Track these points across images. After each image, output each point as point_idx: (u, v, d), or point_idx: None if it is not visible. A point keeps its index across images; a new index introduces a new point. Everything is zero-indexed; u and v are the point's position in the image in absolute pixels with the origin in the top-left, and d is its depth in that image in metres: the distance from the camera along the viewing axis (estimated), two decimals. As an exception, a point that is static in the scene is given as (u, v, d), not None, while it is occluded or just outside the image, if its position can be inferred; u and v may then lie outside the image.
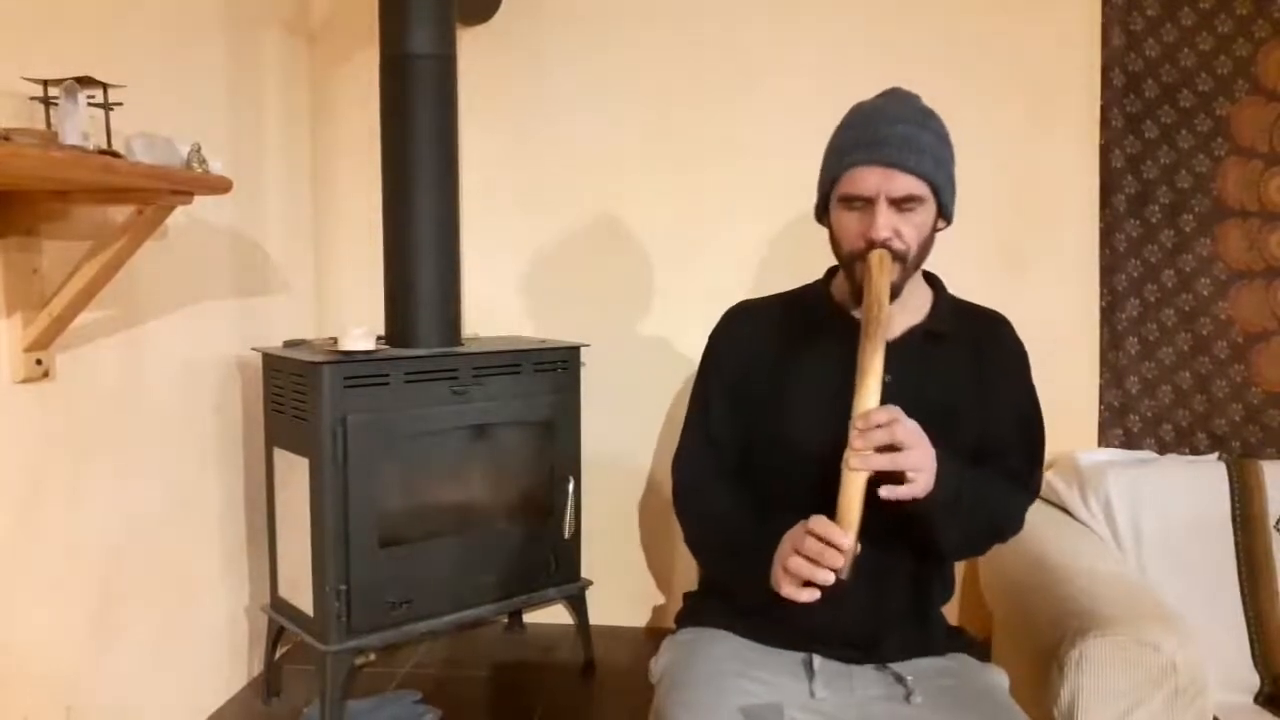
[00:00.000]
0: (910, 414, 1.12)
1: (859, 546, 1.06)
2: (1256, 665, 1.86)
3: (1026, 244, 2.38)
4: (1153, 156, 2.29)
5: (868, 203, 1.20)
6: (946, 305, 1.36)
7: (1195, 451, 2.31)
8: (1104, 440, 2.35)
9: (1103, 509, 2.03)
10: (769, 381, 1.33)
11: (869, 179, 1.19)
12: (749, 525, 1.26)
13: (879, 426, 1.07)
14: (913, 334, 1.31)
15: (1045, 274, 2.37)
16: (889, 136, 1.19)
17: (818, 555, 1.06)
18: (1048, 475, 2.22)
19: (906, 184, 1.19)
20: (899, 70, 2.34)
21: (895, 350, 1.23)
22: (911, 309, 1.31)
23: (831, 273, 1.40)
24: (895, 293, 1.21)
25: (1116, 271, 2.32)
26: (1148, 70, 2.28)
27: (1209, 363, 2.30)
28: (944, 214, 1.26)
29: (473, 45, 2.43)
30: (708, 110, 2.45)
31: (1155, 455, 2.26)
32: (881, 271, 1.17)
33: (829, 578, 1.05)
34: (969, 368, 1.31)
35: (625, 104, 2.47)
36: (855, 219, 1.22)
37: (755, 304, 1.45)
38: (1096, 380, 2.36)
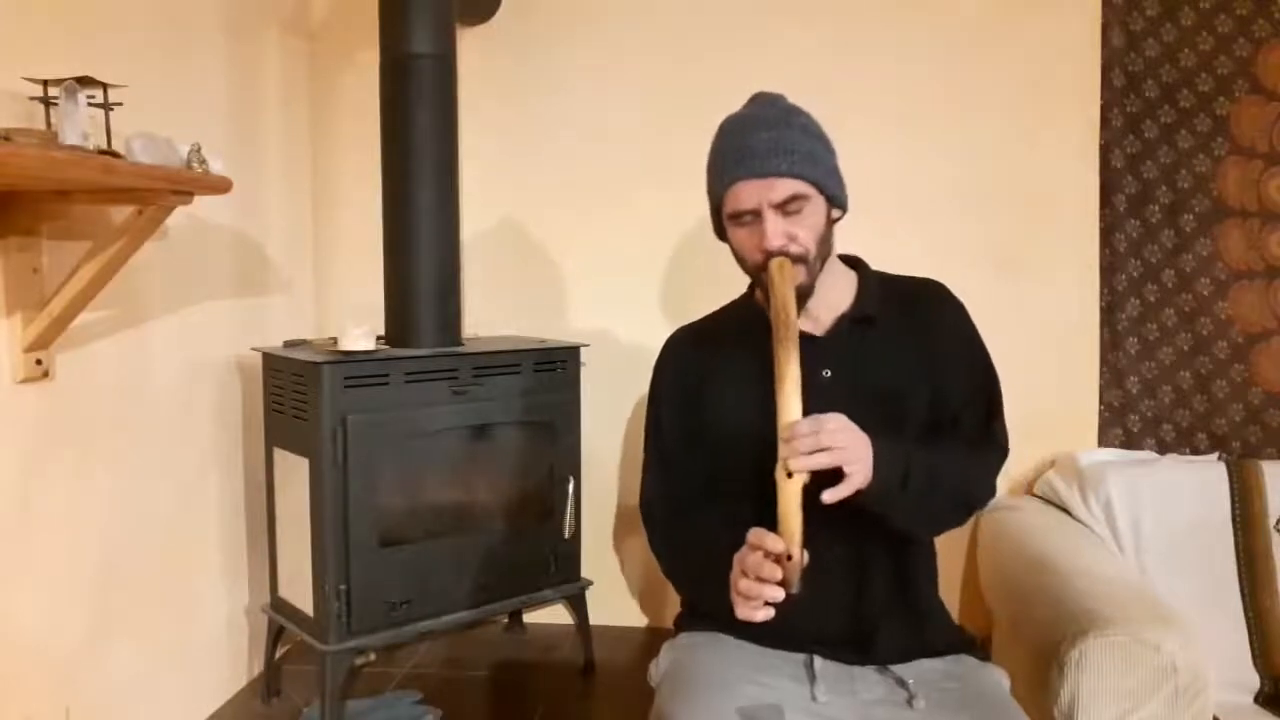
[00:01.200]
0: (854, 403, 1.14)
1: (805, 556, 1.04)
2: (1256, 665, 1.86)
3: (1026, 244, 2.37)
4: (1153, 156, 2.29)
5: (755, 215, 1.22)
6: (872, 286, 1.35)
7: (1195, 452, 2.31)
8: (1104, 440, 2.35)
9: (1103, 509, 2.03)
10: (707, 394, 1.35)
11: (748, 193, 1.21)
12: (717, 549, 1.24)
13: (804, 435, 1.06)
14: (841, 322, 1.31)
15: (1045, 274, 2.36)
16: (756, 146, 1.20)
17: (759, 571, 1.05)
18: (1048, 475, 2.23)
19: (785, 188, 1.20)
20: (899, 71, 2.36)
21: (827, 343, 1.28)
22: (835, 299, 1.32)
23: (754, 284, 1.40)
24: (807, 292, 1.23)
25: (1117, 271, 2.32)
26: (1148, 70, 2.28)
27: (1209, 363, 2.30)
28: (835, 204, 1.27)
29: (473, 45, 2.43)
30: (707, 109, 2.43)
31: (1155, 455, 2.26)
32: (784, 279, 1.17)
33: (778, 594, 1.04)
34: (907, 344, 1.31)
35: (625, 103, 2.47)
36: (748, 234, 1.24)
37: (691, 327, 1.48)
38: (1097, 380, 2.35)
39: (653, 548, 1.42)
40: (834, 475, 1.08)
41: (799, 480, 1.05)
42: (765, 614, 1.06)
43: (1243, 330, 2.28)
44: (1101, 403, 2.36)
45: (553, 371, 2.25)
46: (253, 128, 2.25)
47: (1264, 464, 2.03)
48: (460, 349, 2.14)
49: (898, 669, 1.26)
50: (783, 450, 1.06)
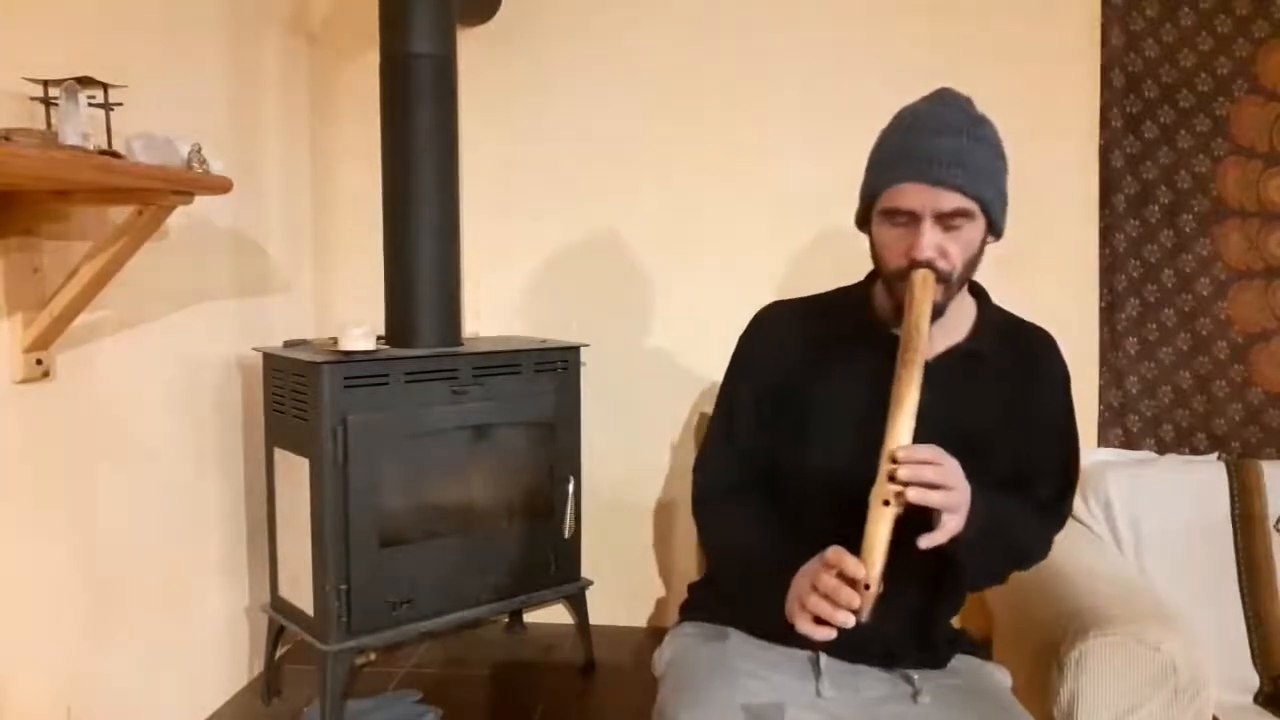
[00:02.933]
0: (939, 438, 1.07)
1: (882, 586, 0.99)
2: (1256, 665, 1.86)
3: (1026, 244, 2.36)
4: (1152, 156, 2.29)
5: (912, 218, 1.14)
6: (990, 322, 1.29)
7: (1195, 452, 2.31)
8: (1104, 440, 2.35)
9: (1102, 509, 2.03)
10: (797, 392, 1.28)
11: (914, 195, 1.12)
12: (765, 541, 1.23)
13: (927, 464, 1.01)
14: (952, 354, 1.24)
15: (1045, 274, 2.36)
16: (937, 151, 1.12)
17: (834, 594, 1.01)
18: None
19: (954, 200, 1.12)
20: (899, 71, 2.36)
21: (932, 371, 1.14)
22: (953, 327, 1.25)
23: (872, 277, 1.31)
24: (939, 313, 1.15)
25: (1116, 271, 2.33)
26: (1147, 70, 2.28)
27: (1209, 363, 2.30)
28: (994, 229, 1.19)
29: (473, 45, 2.43)
30: (708, 111, 2.45)
31: (1155, 455, 2.26)
32: (924, 295, 1.10)
33: (848, 620, 0.99)
34: (1007, 392, 1.25)
35: (626, 104, 2.47)
36: (898, 235, 1.15)
37: (788, 305, 1.38)
38: (1096, 380, 2.36)
39: (698, 517, 1.36)
40: (921, 512, 1.03)
41: (895, 509, 1.00)
42: (827, 635, 1.02)
43: (1242, 330, 2.29)
44: (1101, 403, 2.36)
45: (553, 371, 2.25)
46: (253, 128, 2.25)
47: (1264, 464, 2.02)
48: (460, 349, 2.14)
49: (902, 666, 1.26)
50: (883, 476, 1.01)
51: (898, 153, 1.16)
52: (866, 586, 0.99)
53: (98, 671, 1.74)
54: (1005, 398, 1.25)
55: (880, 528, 1.00)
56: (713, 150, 2.45)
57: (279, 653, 2.19)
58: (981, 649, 1.37)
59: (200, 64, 2.04)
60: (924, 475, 1.00)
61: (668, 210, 2.48)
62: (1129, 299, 2.32)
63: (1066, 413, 1.31)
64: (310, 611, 1.98)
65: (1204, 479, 2.02)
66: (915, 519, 1.03)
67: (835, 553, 1.03)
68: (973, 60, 2.34)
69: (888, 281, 1.21)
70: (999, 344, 1.27)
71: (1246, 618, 1.90)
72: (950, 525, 1.04)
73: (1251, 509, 1.97)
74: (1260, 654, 1.87)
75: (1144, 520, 2.00)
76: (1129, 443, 2.34)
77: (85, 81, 1.40)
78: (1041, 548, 1.31)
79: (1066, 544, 1.88)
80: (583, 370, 2.32)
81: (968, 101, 1.23)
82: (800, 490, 1.27)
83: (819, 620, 1.03)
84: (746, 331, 1.38)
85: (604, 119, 2.48)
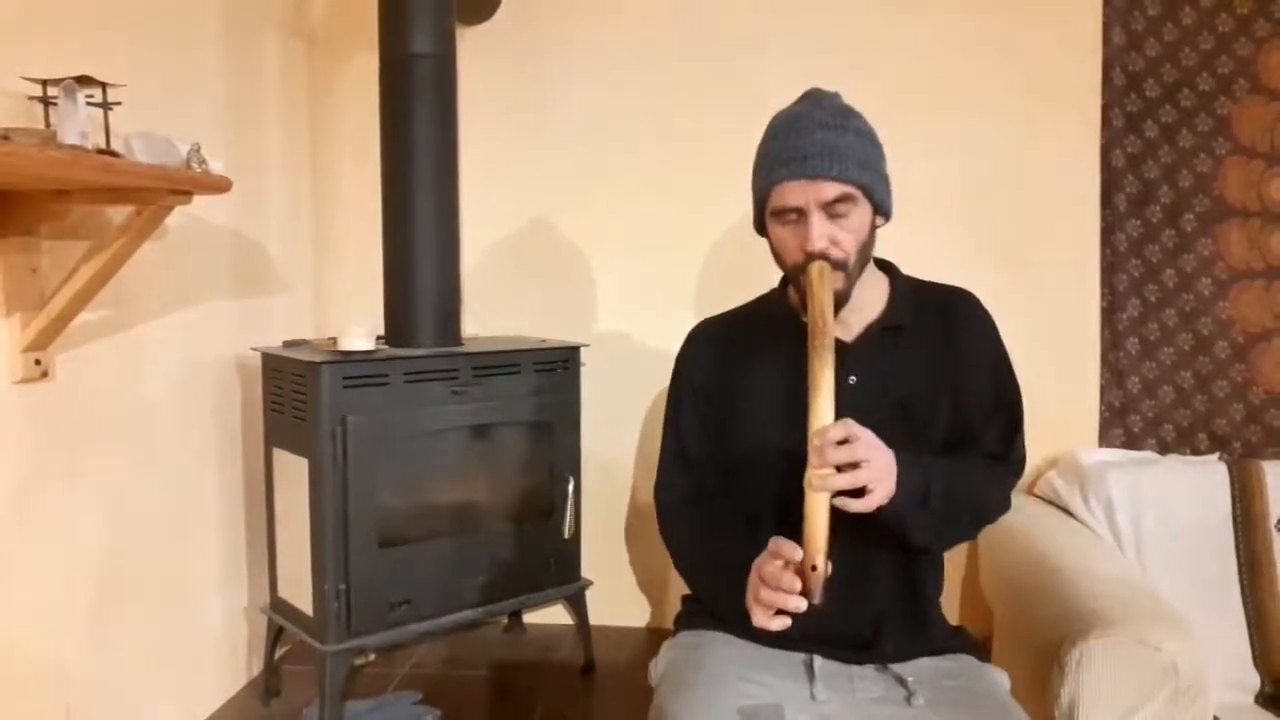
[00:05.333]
0: (877, 412, 1.13)
1: (830, 567, 1.03)
2: (1257, 665, 1.86)
3: (1027, 244, 2.37)
4: (1154, 156, 2.29)
5: (800, 213, 1.19)
6: (904, 293, 1.33)
7: (1196, 452, 2.31)
8: (1105, 440, 2.35)
9: (1104, 509, 2.03)
10: (732, 392, 1.34)
11: (796, 191, 1.19)
12: (729, 546, 1.25)
13: (837, 444, 1.04)
14: (870, 330, 1.29)
15: (1046, 274, 2.36)
16: (809, 146, 1.18)
17: (778, 581, 1.04)
18: (1049, 475, 2.22)
19: (833, 189, 1.18)
20: (899, 71, 2.36)
21: (855, 350, 1.25)
22: (867, 305, 1.30)
23: (786, 280, 1.37)
24: (844, 298, 1.21)
25: (1117, 271, 2.32)
26: (1149, 70, 2.28)
27: (1210, 363, 2.30)
28: (880, 211, 1.24)
29: (472, 45, 2.43)
30: (708, 111, 2.45)
31: (1156, 455, 2.26)
32: (822, 284, 1.15)
33: (800, 604, 1.03)
34: (934, 354, 1.29)
35: (625, 104, 2.47)
36: (790, 232, 1.22)
37: (717, 320, 1.46)
38: (1097, 380, 2.36)
39: (664, 538, 1.41)
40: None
41: (827, 491, 1.04)
42: (781, 623, 1.05)
43: (1243, 330, 2.28)
44: (1102, 403, 2.36)
45: (553, 371, 2.25)
46: (253, 128, 2.25)
47: (1264, 464, 2.02)
48: (460, 349, 2.14)
49: (897, 668, 1.26)
50: (812, 459, 1.05)
51: (775, 155, 1.22)
52: (814, 568, 1.02)
53: (98, 671, 1.73)
54: (932, 361, 1.29)
55: (817, 509, 1.03)
56: (713, 149, 2.45)
57: (278, 653, 2.19)
58: (981, 649, 1.36)
59: (200, 64, 2.04)
60: (831, 458, 1.04)
61: (668, 209, 2.48)
62: (1130, 299, 2.32)
63: (999, 359, 1.34)
64: (309, 612, 1.98)
65: (1205, 479, 2.02)
66: (856, 490, 1.06)
67: (776, 542, 1.08)
68: (974, 60, 2.34)
69: (792, 278, 1.27)
70: (916, 311, 1.32)
71: (1247, 618, 1.90)
72: (878, 495, 1.07)
73: (1252, 509, 1.97)
74: (1261, 654, 1.87)
75: (1145, 520, 1.99)
76: (1130, 443, 2.34)
77: (84, 81, 1.40)
78: (998, 499, 1.32)
79: (1067, 544, 1.89)
80: (583, 370, 2.31)
81: (836, 96, 1.28)
82: (748, 479, 1.31)
83: (778, 612, 1.05)
84: (681, 351, 1.46)
85: (604, 118, 2.48)
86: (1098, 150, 2.32)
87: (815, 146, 1.17)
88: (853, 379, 1.22)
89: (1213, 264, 2.28)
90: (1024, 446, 1.34)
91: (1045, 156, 2.35)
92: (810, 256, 1.18)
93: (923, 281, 1.38)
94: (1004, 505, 1.33)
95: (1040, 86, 2.34)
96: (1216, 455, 2.22)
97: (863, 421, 1.08)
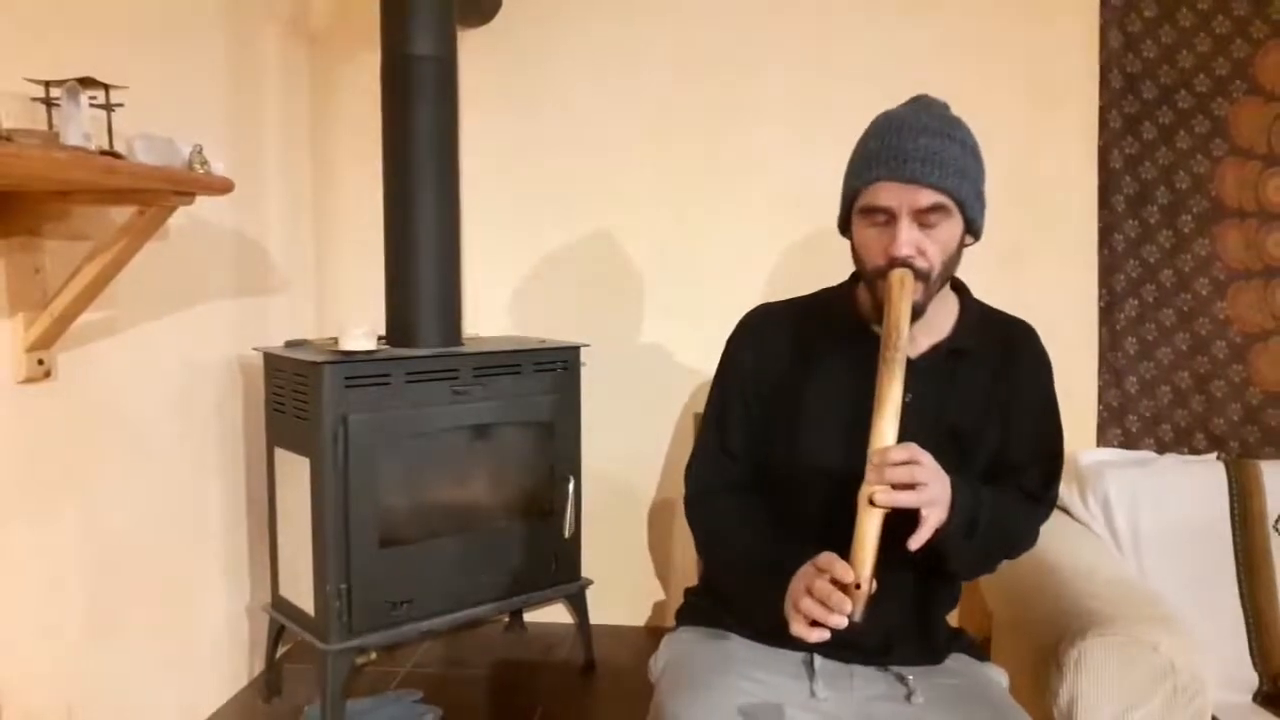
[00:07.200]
0: (929, 434, 1.10)
1: (874, 586, 1.01)
2: (1255, 664, 1.87)
3: (1025, 244, 2.38)
4: (1151, 157, 2.30)
5: (890, 216, 1.15)
6: (973, 317, 1.31)
7: (1194, 451, 2.32)
8: (1103, 440, 2.36)
9: (1101, 509, 2.03)
10: (785, 393, 1.30)
11: (891, 193, 1.15)
12: (757, 542, 1.24)
13: (899, 464, 1.03)
14: (936, 351, 1.26)
15: (1044, 274, 2.37)
16: (913, 150, 1.14)
17: (827, 599, 1.02)
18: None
19: (929, 197, 1.14)
20: (899, 71, 2.37)
21: (918, 369, 1.18)
22: (936, 324, 1.26)
23: (855, 278, 1.33)
24: (919, 312, 1.16)
25: (1115, 272, 2.33)
26: (1146, 71, 2.29)
27: (1207, 363, 2.31)
28: (971, 229, 1.21)
29: (473, 47, 2.43)
30: (709, 113, 2.46)
31: (1154, 455, 2.26)
32: (903, 293, 1.11)
33: (841, 622, 1.01)
34: (990, 384, 1.27)
35: (626, 105, 2.48)
36: (877, 234, 1.17)
37: (774, 308, 1.40)
38: (1095, 380, 2.36)
39: (692, 522, 1.37)
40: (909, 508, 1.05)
41: (881, 509, 1.02)
42: (820, 635, 1.04)
43: (1241, 330, 2.29)
44: (1100, 403, 2.36)
45: (553, 371, 2.26)
46: (253, 128, 2.25)
47: (1262, 464, 2.02)
48: (460, 349, 2.14)
49: (897, 666, 1.27)
50: (870, 476, 1.03)
51: (874, 153, 1.18)
52: (858, 586, 1.01)
53: (98, 670, 1.74)
54: (989, 391, 1.27)
55: (868, 526, 1.02)
56: (714, 151, 2.46)
57: (279, 652, 2.19)
58: (980, 648, 1.37)
59: (201, 65, 2.04)
60: (892, 476, 1.02)
61: (668, 210, 2.49)
62: (1128, 299, 2.33)
63: (1048, 401, 1.33)
64: (311, 611, 1.99)
65: (1203, 479, 2.03)
66: (906, 513, 1.05)
67: (827, 558, 1.06)
68: (972, 62, 2.35)
69: (868, 281, 1.22)
70: (981, 339, 1.29)
71: (1245, 617, 1.91)
72: (931, 521, 1.06)
73: (1250, 509, 1.98)
74: (1259, 653, 1.87)
75: (1143, 520, 2.00)
76: (1128, 443, 2.34)
77: (86, 82, 1.40)
78: (1030, 536, 1.33)
79: (1066, 544, 1.90)
80: (583, 370, 2.32)
81: (944, 105, 1.25)
82: (792, 488, 1.28)
83: (814, 623, 1.04)
84: (734, 335, 1.39)
85: (604, 120, 2.49)
86: (1095, 151, 2.33)
87: (917, 151, 1.14)
88: (909, 397, 1.14)
89: (1210, 264, 2.29)
90: (1058, 488, 1.34)
91: (1043, 158, 2.36)
92: (893, 262, 1.14)
93: (990, 307, 1.35)
94: (1032, 544, 1.33)
95: (1038, 88, 2.35)
96: (1214, 455, 2.23)
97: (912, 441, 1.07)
